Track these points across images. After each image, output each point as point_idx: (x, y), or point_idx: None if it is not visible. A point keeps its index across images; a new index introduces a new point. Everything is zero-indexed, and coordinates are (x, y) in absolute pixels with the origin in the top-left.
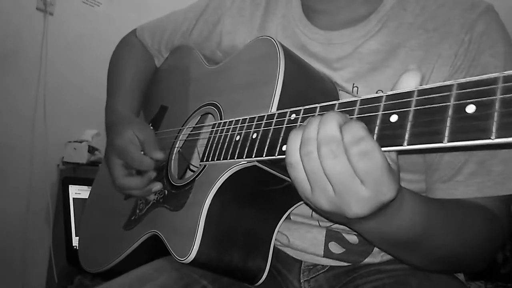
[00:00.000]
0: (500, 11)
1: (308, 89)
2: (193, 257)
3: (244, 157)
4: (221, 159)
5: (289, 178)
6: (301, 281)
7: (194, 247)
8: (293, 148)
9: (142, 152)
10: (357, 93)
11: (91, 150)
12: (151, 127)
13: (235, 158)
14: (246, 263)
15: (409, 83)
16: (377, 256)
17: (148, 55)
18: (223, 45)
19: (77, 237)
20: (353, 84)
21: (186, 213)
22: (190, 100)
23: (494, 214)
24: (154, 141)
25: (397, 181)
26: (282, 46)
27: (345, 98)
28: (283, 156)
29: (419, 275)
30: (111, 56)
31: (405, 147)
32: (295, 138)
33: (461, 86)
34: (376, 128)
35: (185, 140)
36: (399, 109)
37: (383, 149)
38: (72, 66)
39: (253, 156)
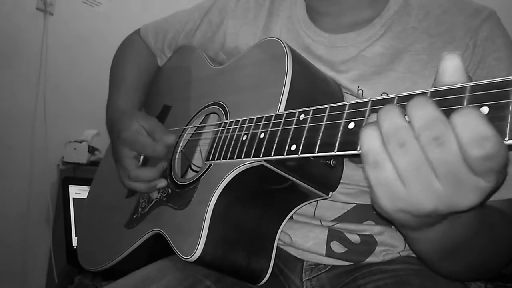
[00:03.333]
0: (500, 13)
1: (315, 91)
2: (198, 256)
3: (251, 157)
4: (228, 158)
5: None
6: (303, 280)
7: (199, 245)
8: (373, 145)
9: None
10: (362, 96)
11: (91, 150)
12: None
13: (242, 157)
14: (249, 263)
15: (453, 63)
16: (379, 256)
17: (151, 54)
18: (227, 46)
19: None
20: (358, 87)
21: (191, 212)
22: (194, 100)
23: (509, 216)
24: (161, 126)
25: None
26: (290, 47)
27: (350, 100)
28: (292, 156)
29: (421, 274)
30: (113, 55)
31: None
32: (371, 133)
33: (474, 88)
34: None
35: (189, 139)
36: None
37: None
38: (72, 66)
39: (260, 156)
